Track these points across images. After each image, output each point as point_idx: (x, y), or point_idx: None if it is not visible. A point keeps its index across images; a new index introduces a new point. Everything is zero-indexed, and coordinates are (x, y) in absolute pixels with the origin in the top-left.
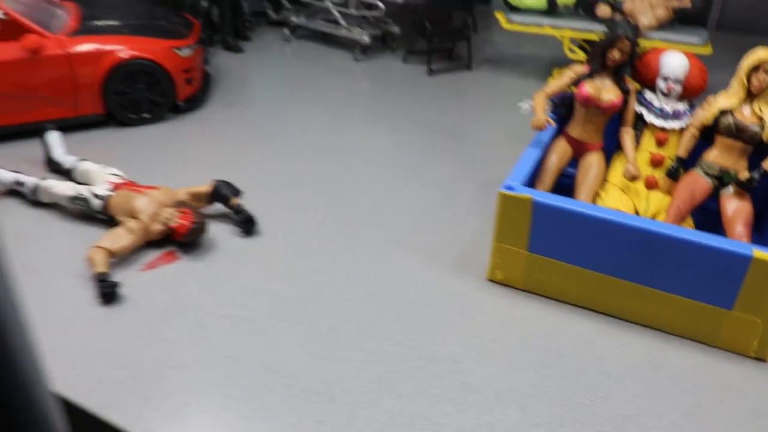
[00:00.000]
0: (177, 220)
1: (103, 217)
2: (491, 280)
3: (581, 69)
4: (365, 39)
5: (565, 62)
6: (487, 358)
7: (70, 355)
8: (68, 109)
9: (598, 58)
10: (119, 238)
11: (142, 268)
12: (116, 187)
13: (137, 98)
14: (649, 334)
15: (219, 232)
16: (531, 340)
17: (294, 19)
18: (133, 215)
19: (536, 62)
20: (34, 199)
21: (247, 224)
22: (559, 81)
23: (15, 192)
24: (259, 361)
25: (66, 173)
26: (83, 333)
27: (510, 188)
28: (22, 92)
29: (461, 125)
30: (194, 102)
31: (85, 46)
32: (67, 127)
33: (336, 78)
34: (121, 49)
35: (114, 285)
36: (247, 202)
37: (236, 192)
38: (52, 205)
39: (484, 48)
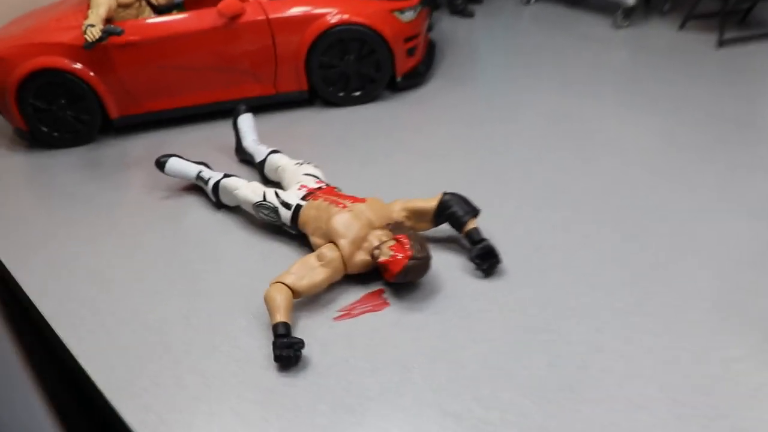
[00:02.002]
0: (389, 251)
1: (293, 231)
2: None
3: None
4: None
5: None
6: None
7: (226, 425)
8: (268, 86)
9: None
10: (309, 271)
11: (337, 316)
12: (310, 193)
13: (346, 72)
14: None
15: (445, 266)
16: None
17: None
18: (330, 238)
19: None
20: (216, 200)
21: (486, 259)
22: None
23: (198, 187)
24: None
25: (256, 166)
26: (247, 402)
27: None
28: (219, 65)
29: None
30: (415, 77)
31: (290, 11)
32: (264, 107)
33: (587, 49)
34: (331, 13)
35: (294, 345)
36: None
37: (474, 211)
38: (236, 208)
39: None
